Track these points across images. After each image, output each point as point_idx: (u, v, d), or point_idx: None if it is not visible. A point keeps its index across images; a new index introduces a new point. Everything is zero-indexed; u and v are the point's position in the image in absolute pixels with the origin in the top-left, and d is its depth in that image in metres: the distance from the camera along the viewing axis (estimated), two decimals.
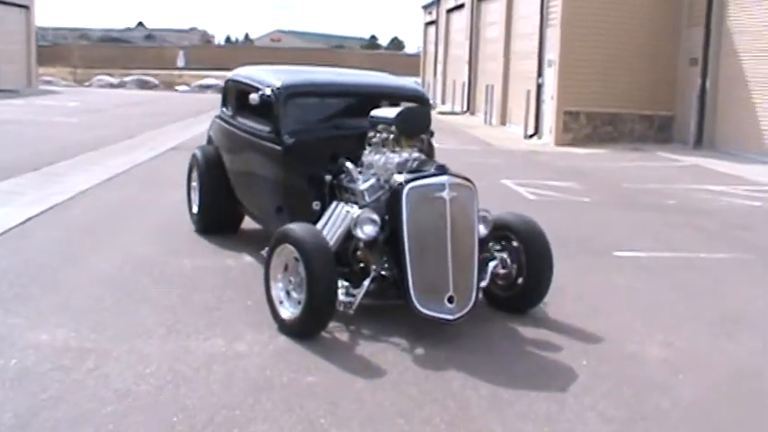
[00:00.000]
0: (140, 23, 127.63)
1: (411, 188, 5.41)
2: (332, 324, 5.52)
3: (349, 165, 6.13)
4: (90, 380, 4.58)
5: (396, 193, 5.47)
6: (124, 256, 7.24)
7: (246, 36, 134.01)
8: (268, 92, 6.69)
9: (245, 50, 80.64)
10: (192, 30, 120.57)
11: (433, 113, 27.68)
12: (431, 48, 42.74)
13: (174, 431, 4.04)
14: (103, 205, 9.70)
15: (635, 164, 16.60)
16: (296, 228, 5.45)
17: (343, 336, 5.48)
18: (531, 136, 21.89)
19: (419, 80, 45.30)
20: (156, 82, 47.31)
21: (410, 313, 5.40)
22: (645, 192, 12.59)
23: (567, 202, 11.33)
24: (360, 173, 6.07)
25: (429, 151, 6.77)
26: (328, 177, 6.35)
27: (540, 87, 21.80)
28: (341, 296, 5.41)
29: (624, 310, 6.34)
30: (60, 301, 5.93)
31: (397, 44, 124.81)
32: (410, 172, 5.61)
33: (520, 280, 5.99)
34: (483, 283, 5.89)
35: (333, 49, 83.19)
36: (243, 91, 7.26)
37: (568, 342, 5.54)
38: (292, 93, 6.65)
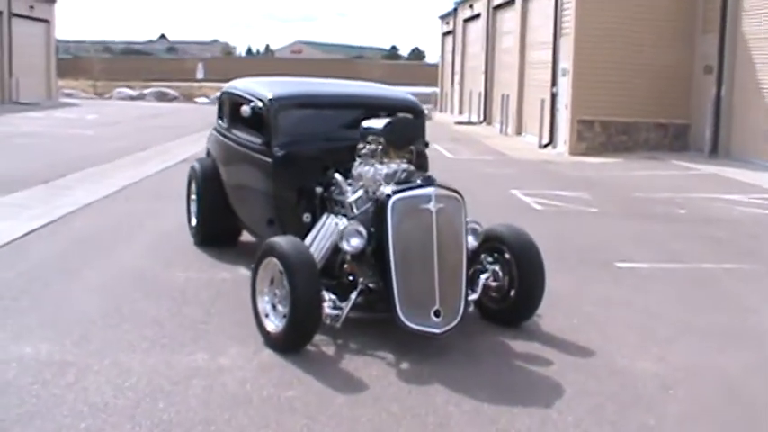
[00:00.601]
0: (162, 36, 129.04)
1: (396, 200, 5.35)
2: (319, 337, 5.46)
3: (338, 177, 6.08)
4: (69, 394, 4.55)
5: (381, 204, 5.41)
6: (118, 270, 7.23)
7: (267, 48, 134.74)
8: (259, 104, 6.66)
9: (264, 62, 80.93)
10: (214, 42, 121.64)
11: (451, 124, 27.45)
12: (448, 58, 42.73)
13: None
14: (106, 218, 9.72)
15: (648, 173, 16.43)
16: (281, 241, 5.40)
17: (330, 349, 5.41)
18: (546, 145, 21.77)
19: (437, 90, 45.32)
20: (176, 94, 47.68)
21: (398, 327, 5.33)
22: (656, 201, 12.44)
23: (574, 213, 11.22)
24: (349, 185, 6.02)
25: (422, 162, 6.70)
26: (319, 189, 6.30)
27: (554, 97, 21.69)
28: (327, 309, 5.36)
29: (619, 323, 6.23)
30: (48, 314, 5.92)
31: (417, 54, 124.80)
32: (398, 183, 5.55)
33: (512, 293, 5.90)
34: (474, 296, 5.83)
35: (352, 60, 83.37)
36: (237, 103, 7.25)
37: (558, 356, 5.44)
38: (283, 105, 6.62)
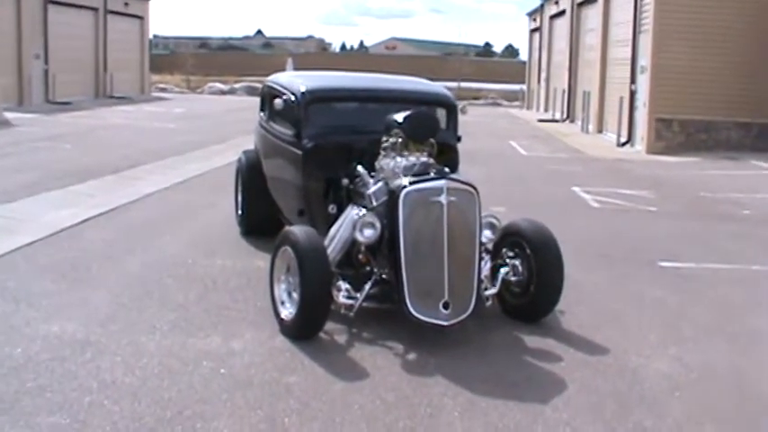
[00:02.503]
0: (259, 31, 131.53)
1: (408, 192, 5.40)
2: (334, 326, 5.57)
3: (361, 169, 6.16)
4: (82, 370, 4.78)
5: (393, 196, 5.47)
6: (159, 257, 7.49)
7: (361, 44, 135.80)
8: (292, 97, 6.80)
9: (356, 57, 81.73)
10: (309, 38, 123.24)
11: (534, 121, 27.19)
12: (535, 55, 42.25)
13: (140, 422, 4.16)
14: (162, 208, 10.05)
15: (721, 172, 15.93)
16: (294, 230, 5.53)
17: (342, 338, 5.51)
18: (624, 144, 21.33)
19: (524, 87, 44.88)
20: None
21: (407, 318, 5.38)
22: (721, 201, 12.08)
23: (632, 211, 11.00)
24: (372, 177, 6.09)
25: (451, 157, 6.73)
26: (345, 181, 6.40)
27: (633, 94, 21.23)
28: (342, 298, 5.46)
29: (644, 322, 6.12)
30: (81, 296, 6.20)
31: (511, 51, 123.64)
32: (414, 176, 5.60)
33: (532, 288, 5.87)
34: (493, 291, 5.85)
35: (443, 57, 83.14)
36: (274, 96, 7.41)
37: (570, 353, 5.40)
38: (313, 98, 6.74)
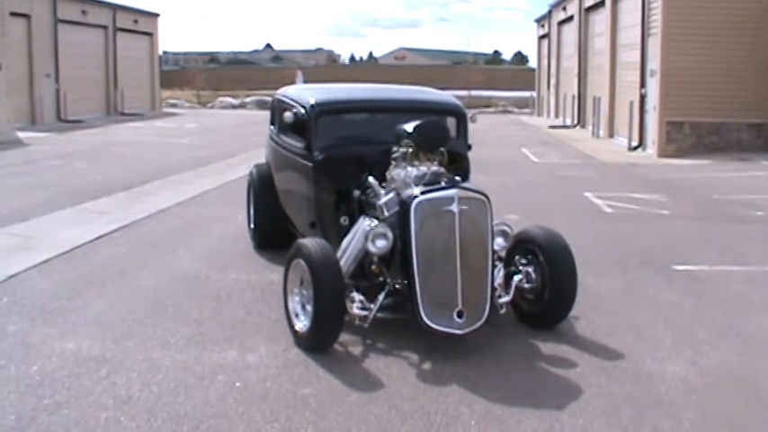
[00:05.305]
0: (268, 45, 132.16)
1: (419, 202, 5.41)
2: (348, 337, 5.58)
3: (372, 180, 6.17)
4: (98, 387, 4.80)
5: (405, 206, 5.48)
6: (173, 272, 7.52)
7: (370, 55, 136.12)
8: (302, 110, 6.83)
9: (365, 69, 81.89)
10: (319, 50, 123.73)
11: (544, 128, 27.10)
12: (544, 61, 42.20)
13: None
14: (175, 223, 10.09)
15: (734, 174, 15.86)
16: (307, 243, 5.54)
17: (356, 349, 5.51)
18: (636, 148, 21.27)
19: (534, 94, 44.84)
20: None
21: (421, 328, 5.38)
22: (734, 203, 12.02)
23: (645, 215, 10.97)
24: (383, 187, 6.10)
25: (462, 165, 6.73)
26: (357, 193, 6.41)
27: (643, 98, 21.18)
28: (356, 310, 5.47)
29: (659, 325, 6.10)
30: (96, 313, 6.23)
31: (520, 58, 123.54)
32: (425, 185, 5.60)
33: (545, 294, 5.86)
34: (507, 298, 5.84)
35: (452, 66, 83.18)
36: (284, 109, 7.44)
37: (585, 358, 5.38)
38: (323, 110, 6.77)
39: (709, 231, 9.84)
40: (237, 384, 4.87)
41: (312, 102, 6.85)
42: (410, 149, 5.96)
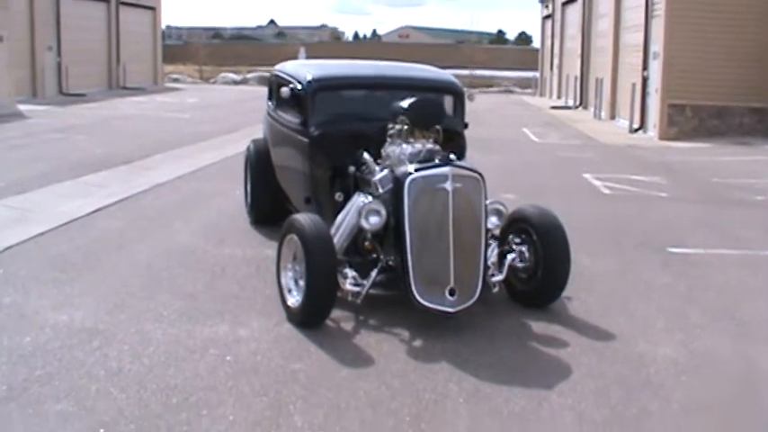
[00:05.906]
0: (272, 21, 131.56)
1: (413, 179, 5.41)
2: (341, 313, 5.60)
3: (367, 156, 6.16)
4: (90, 358, 4.82)
5: (398, 183, 5.48)
6: (169, 246, 7.53)
7: (374, 32, 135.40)
8: (298, 86, 6.81)
9: (369, 46, 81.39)
10: (323, 27, 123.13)
11: (546, 108, 26.97)
12: (548, 42, 41.96)
13: (147, 409, 4.20)
14: (174, 197, 10.09)
15: (734, 158, 15.82)
16: (300, 218, 5.55)
17: (348, 325, 5.53)
18: (637, 130, 21.19)
19: (537, 74, 44.66)
20: None
21: (412, 305, 5.39)
22: (734, 187, 11.99)
23: (643, 197, 10.95)
24: (378, 164, 6.09)
25: (459, 143, 6.72)
26: (352, 169, 6.40)
27: (645, 80, 21.08)
28: (349, 286, 5.48)
29: (651, 307, 6.11)
30: (91, 285, 6.24)
31: (524, 39, 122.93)
32: (419, 162, 5.59)
33: (539, 273, 5.87)
34: (500, 277, 5.84)
35: (456, 45, 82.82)
36: (281, 84, 7.42)
37: (577, 339, 5.40)
38: (320, 86, 6.75)
39: (707, 215, 9.83)
40: (228, 358, 4.89)
41: (309, 78, 6.83)
42: (405, 126, 5.95)
